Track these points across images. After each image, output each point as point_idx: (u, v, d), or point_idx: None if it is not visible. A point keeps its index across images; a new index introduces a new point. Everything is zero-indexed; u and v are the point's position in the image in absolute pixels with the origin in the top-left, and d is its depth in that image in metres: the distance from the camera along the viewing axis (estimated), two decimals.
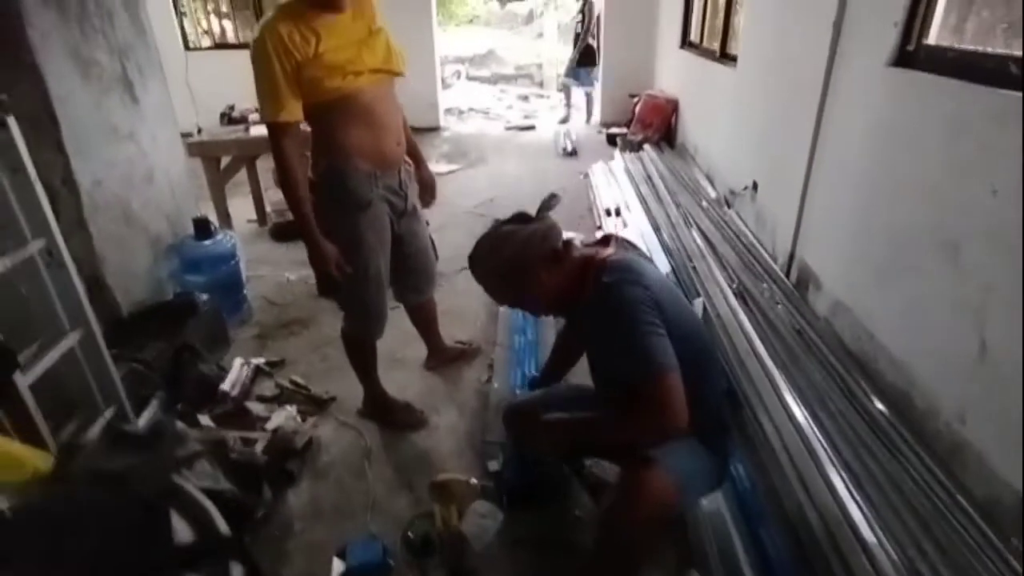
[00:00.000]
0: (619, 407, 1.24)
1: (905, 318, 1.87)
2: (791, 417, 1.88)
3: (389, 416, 2.11)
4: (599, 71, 7.12)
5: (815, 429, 1.80)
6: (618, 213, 3.74)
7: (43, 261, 1.58)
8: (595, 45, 7.01)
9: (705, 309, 2.48)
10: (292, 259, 3.40)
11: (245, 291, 2.93)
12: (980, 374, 1.55)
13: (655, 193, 3.88)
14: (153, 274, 2.57)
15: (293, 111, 1.57)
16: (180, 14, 6.52)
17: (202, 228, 2.67)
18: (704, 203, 3.64)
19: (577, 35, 7.13)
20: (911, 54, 1.93)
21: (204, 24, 7.05)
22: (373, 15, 1.69)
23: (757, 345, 2.29)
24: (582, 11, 7.07)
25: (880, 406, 1.83)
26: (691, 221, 3.37)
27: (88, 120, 2.25)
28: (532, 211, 1.40)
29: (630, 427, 1.23)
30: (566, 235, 1.38)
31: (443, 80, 8.20)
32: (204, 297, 2.50)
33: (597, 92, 7.23)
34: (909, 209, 1.85)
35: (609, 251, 1.34)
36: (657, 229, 3.37)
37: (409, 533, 1.64)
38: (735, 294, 2.64)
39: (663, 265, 2.95)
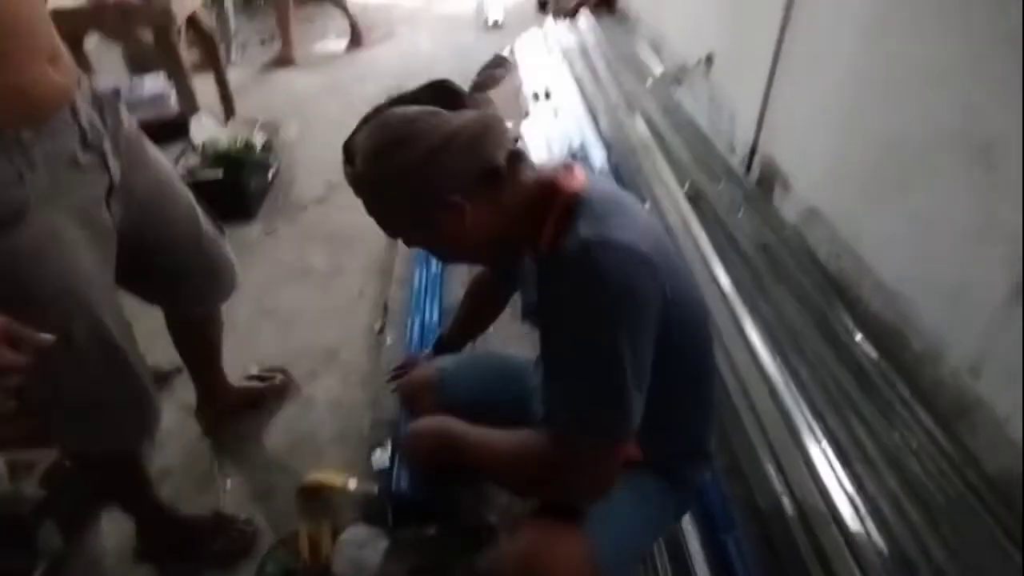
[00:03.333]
0: (535, 442, 0.77)
1: (904, 237, 1.47)
2: (760, 367, 1.50)
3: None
4: None
5: (791, 382, 1.43)
6: (547, 96, 3.12)
7: None
8: None
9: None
10: None
11: None
12: (1008, 316, 1.18)
13: (592, 71, 3.25)
14: None
15: None
16: None
17: None
18: (649, 83, 3.07)
19: None
20: None
21: None
22: None
23: (715, 265, 1.88)
24: None
25: (868, 350, 1.47)
26: (634, 105, 2.81)
27: None
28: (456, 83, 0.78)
29: (532, 481, 0.80)
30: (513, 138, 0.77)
31: None
32: None
33: None
34: (923, 97, 1.39)
35: (579, 179, 0.78)
36: (594, 116, 2.81)
37: (265, 569, 1.22)
38: (687, 198, 2.18)
39: (600, 160, 2.44)
